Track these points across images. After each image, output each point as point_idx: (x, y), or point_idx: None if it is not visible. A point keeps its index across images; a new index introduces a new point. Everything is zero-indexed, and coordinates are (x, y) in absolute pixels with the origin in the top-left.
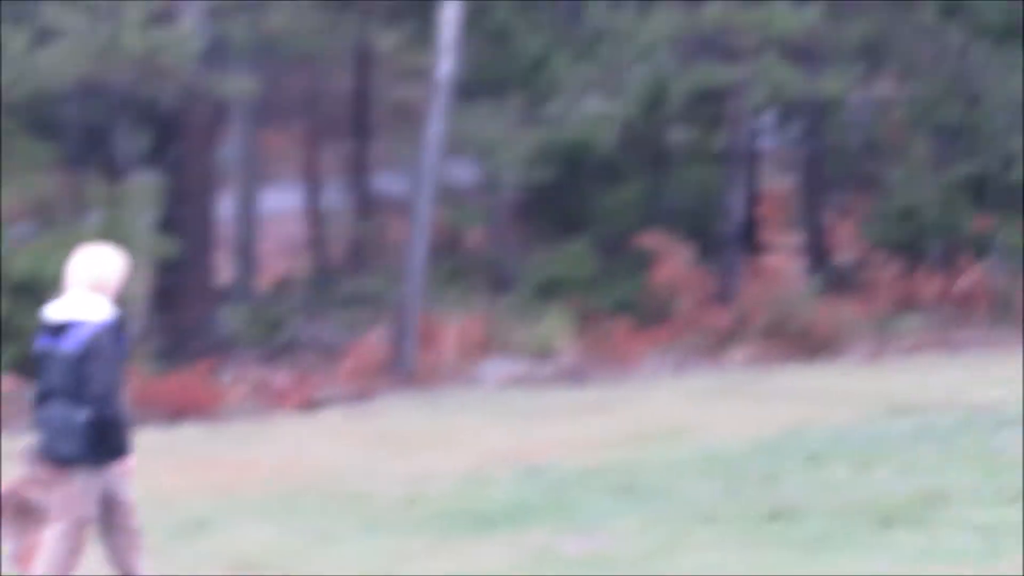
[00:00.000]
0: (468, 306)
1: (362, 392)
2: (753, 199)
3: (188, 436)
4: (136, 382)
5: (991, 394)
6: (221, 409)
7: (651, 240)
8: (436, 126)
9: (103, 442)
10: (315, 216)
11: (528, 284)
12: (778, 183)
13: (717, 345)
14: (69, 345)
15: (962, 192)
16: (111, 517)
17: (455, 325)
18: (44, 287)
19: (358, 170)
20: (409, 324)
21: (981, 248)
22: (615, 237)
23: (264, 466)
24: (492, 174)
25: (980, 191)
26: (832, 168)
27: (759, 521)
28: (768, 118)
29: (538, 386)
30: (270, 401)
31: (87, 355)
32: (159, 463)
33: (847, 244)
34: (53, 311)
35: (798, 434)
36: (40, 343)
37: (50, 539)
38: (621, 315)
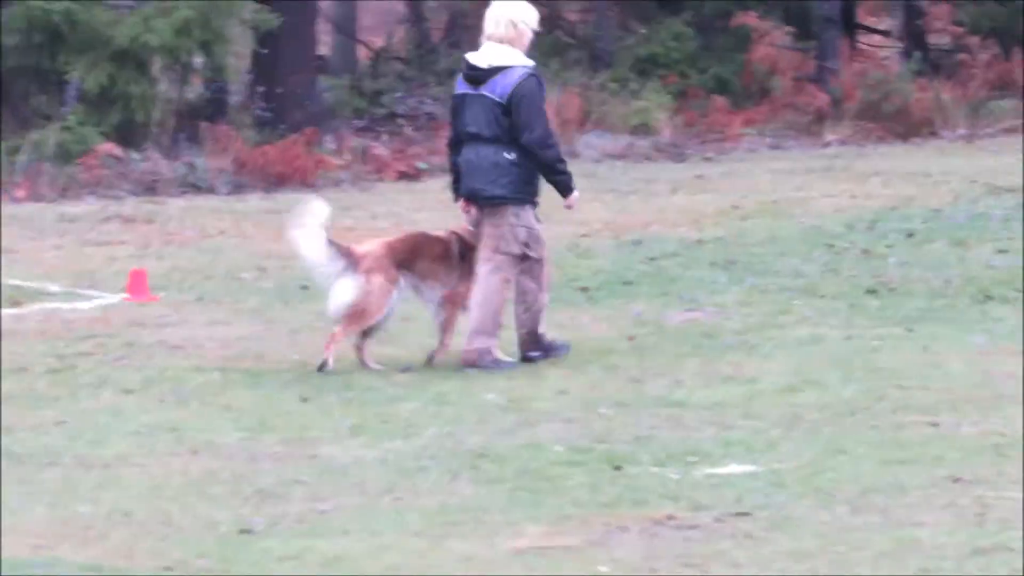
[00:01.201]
0: (566, 81)
1: None
2: None
3: (288, 203)
4: (238, 150)
5: None
6: (322, 178)
7: (749, 19)
8: None
9: (534, 183)
10: None
11: (626, 61)
12: None
13: (814, 125)
14: (497, 91)
15: None
16: (536, 251)
17: (553, 100)
18: (146, 54)
19: None
20: None
21: None
22: (713, 16)
23: (365, 235)
24: None
25: None
26: None
27: (859, 296)
28: None
29: (636, 161)
30: (371, 170)
31: (518, 101)
32: (262, 229)
33: (943, 27)
34: (476, 58)
35: (897, 212)
36: (462, 89)
37: (483, 273)
38: (719, 94)
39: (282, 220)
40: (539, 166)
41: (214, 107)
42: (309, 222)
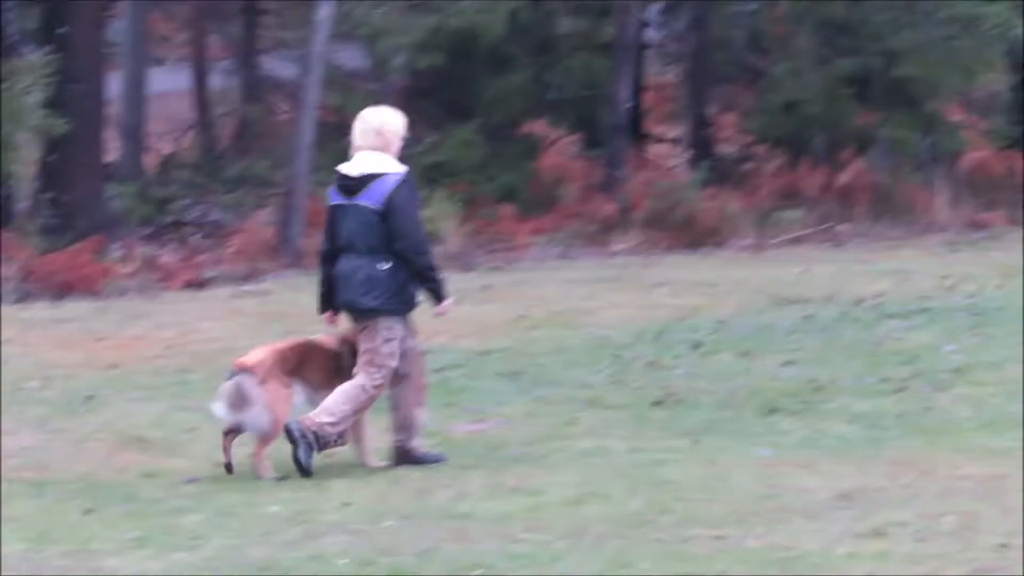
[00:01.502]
0: None
1: (249, 272)
2: (639, 90)
3: (75, 312)
4: (25, 258)
5: (873, 287)
6: (108, 287)
7: (538, 128)
8: (325, 10)
9: (409, 292)
10: (203, 98)
11: (414, 169)
12: (664, 75)
13: (602, 234)
14: (373, 199)
15: (845, 87)
16: (403, 366)
17: None
18: None
19: (246, 53)
20: (296, 206)
21: (863, 143)
22: (502, 124)
23: (152, 343)
24: (380, 59)
25: (863, 86)
26: (717, 61)
27: (645, 407)
28: (655, 9)
29: None
30: (157, 279)
31: (393, 207)
32: (45, 338)
33: (731, 136)
34: (348, 168)
35: (683, 323)
36: (335, 200)
37: (358, 380)
38: (507, 202)
39: (68, 329)
40: (412, 273)
41: (0, 214)
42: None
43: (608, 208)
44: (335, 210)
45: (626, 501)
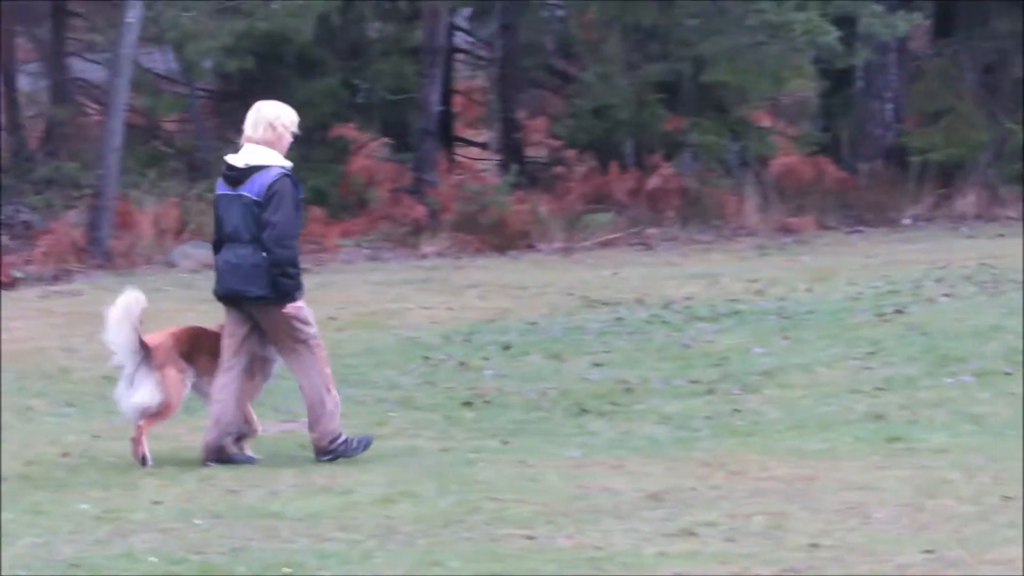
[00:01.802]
0: (164, 192)
1: (59, 273)
2: (449, 94)
3: None
4: None
5: (682, 290)
6: None
7: (347, 131)
8: (133, 13)
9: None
10: (11, 99)
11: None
12: (473, 79)
13: (411, 237)
14: (254, 190)
15: (654, 92)
16: (253, 362)
17: (150, 210)
18: None
19: (55, 55)
20: (105, 207)
21: (672, 148)
22: (311, 128)
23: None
24: (189, 63)
25: (672, 92)
26: (526, 66)
27: (456, 408)
28: (464, 14)
29: None
30: None
31: (270, 198)
32: None
33: (541, 141)
34: (234, 159)
35: (494, 325)
36: (221, 190)
37: (296, 365)
38: (317, 205)
39: None
40: (270, 263)
41: None
42: (121, 314)
43: (418, 211)
44: (220, 200)
45: (436, 500)
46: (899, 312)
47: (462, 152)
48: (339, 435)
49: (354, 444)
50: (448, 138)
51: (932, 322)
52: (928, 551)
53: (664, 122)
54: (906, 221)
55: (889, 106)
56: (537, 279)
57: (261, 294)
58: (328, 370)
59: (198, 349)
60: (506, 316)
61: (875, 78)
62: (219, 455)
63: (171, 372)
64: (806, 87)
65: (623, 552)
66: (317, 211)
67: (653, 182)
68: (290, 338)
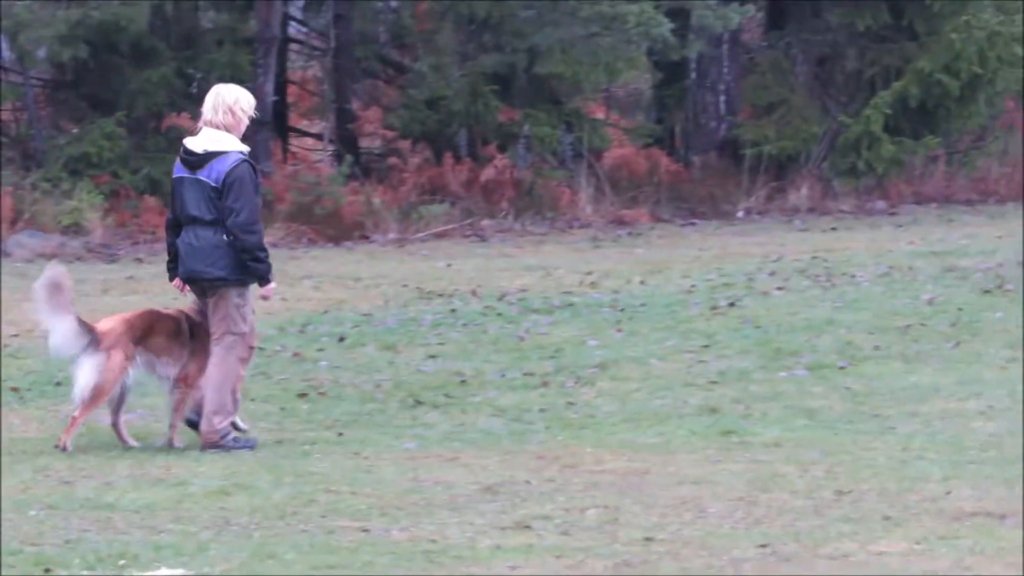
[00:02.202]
0: None
1: None
2: (283, 84)
3: None
4: None
5: (516, 282)
6: None
7: (181, 121)
8: None
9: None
10: None
11: (58, 160)
12: (308, 69)
13: None
14: (212, 176)
15: (488, 84)
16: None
17: None
18: None
19: None
20: None
21: (506, 139)
22: (145, 117)
23: None
24: (22, 52)
25: (506, 83)
26: (360, 56)
27: (290, 400)
28: (298, 4)
29: (68, 261)
30: None
31: (229, 185)
32: None
33: (375, 132)
34: (193, 143)
35: (328, 316)
36: (179, 173)
37: (218, 355)
38: (151, 194)
39: None
40: (240, 250)
41: None
42: (54, 299)
43: None
44: (178, 183)
45: (271, 492)
46: (733, 305)
47: (296, 142)
48: (228, 432)
49: (240, 443)
50: (282, 128)
51: (766, 315)
52: (762, 545)
53: (498, 113)
54: (739, 214)
55: (722, 98)
56: (372, 270)
57: (220, 275)
58: (243, 372)
59: (152, 332)
60: (341, 307)
61: (708, 70)
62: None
63: (116, 356)
64: (639, 79)
65: (458, 545)
66: (151, 201)
67: (487, 173)
68: (223, 326)
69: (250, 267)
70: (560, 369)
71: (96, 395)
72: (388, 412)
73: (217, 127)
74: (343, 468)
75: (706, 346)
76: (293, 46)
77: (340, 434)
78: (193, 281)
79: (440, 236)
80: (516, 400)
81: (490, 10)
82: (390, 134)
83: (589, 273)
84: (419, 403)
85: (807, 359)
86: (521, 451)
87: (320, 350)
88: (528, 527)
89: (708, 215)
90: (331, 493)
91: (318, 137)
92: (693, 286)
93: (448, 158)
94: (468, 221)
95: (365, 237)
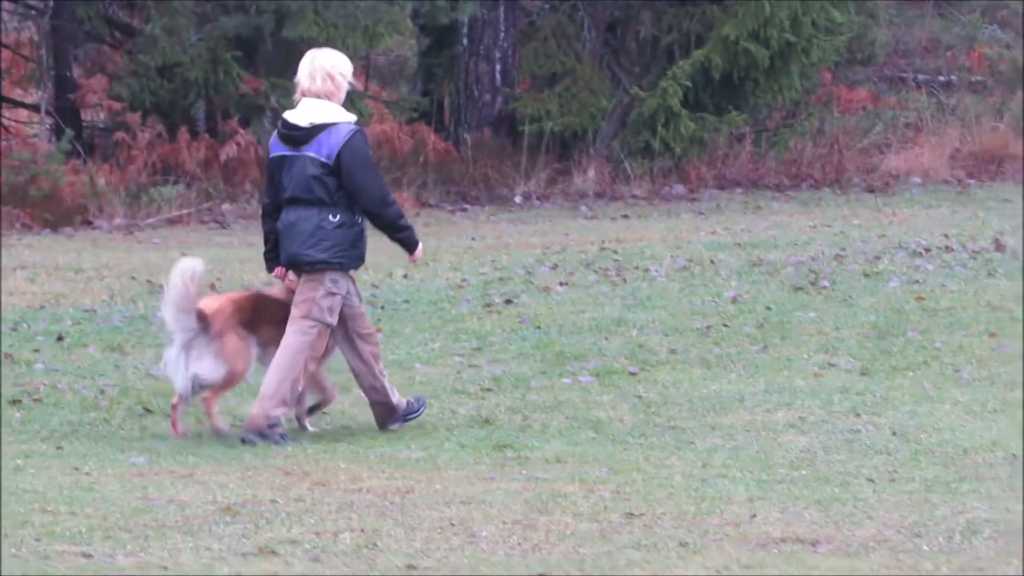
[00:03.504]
0: None
1: None
2: None
3: None
4: None
5: (261, 275)
6: None
7: None
8: None
9: (359, 248)
10: None
11: None
12: (22, 32)
13: None
14: (323, 152)
15: (229, 49)
16: (357, 326)
17: None
18: None
19: None
20: None
21: (250, 112)
22: None
23: None
24: None
25: (250, 49)
26: (82, 16)
27: (2, 407)
28: None
29: None
30: None
31: (349, 162)
32: None
33: (99, 103)
34: (294, 116)
35: (45, 312)
36: (279, 151)
37: (289, 337)
38: None
39: None
40: (382, 227)
41: None
42: (179, 281)
43: None
44: (279, 161)
45: None
46: (509, 303)
47: (9, 115)
48: (278, 423)
49: (288, 439)
50: None
51: (547, 314)
52: (541, 575)
53: (241, 83)
54: (517, 199)
55: (498, 68)
56: (95, 260)
57: (322, 258)
58: (312, 366)
59: (260, 318)
60: (59, 302)
61: (482, 36)
62: (389, 414)
63: (230, 340)
64: (404, 45)
65: (193, 572)
66: None
67: (228, 151)
68: (304, 308)
69: (397, 239)
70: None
71: (229, 381)
72: (113, 422)
73: (317, 95)
74: (61, 485)
75: (478, 349)
76: (5, 4)
77: (59, 447)
78: (295, 265)
79: (174, 222)
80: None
81: None
82: (117, 105)
83: None
84: (149, 412)
85: (594, 364)
86: (265, 466)
87: (35, 351)
88: (273, 553)
89: (481, 200)
90: (47, 513)
91: (34, 109)
92: (464, 280)
93: (183, 133)
94: (206, 205)
95: (88, 223)
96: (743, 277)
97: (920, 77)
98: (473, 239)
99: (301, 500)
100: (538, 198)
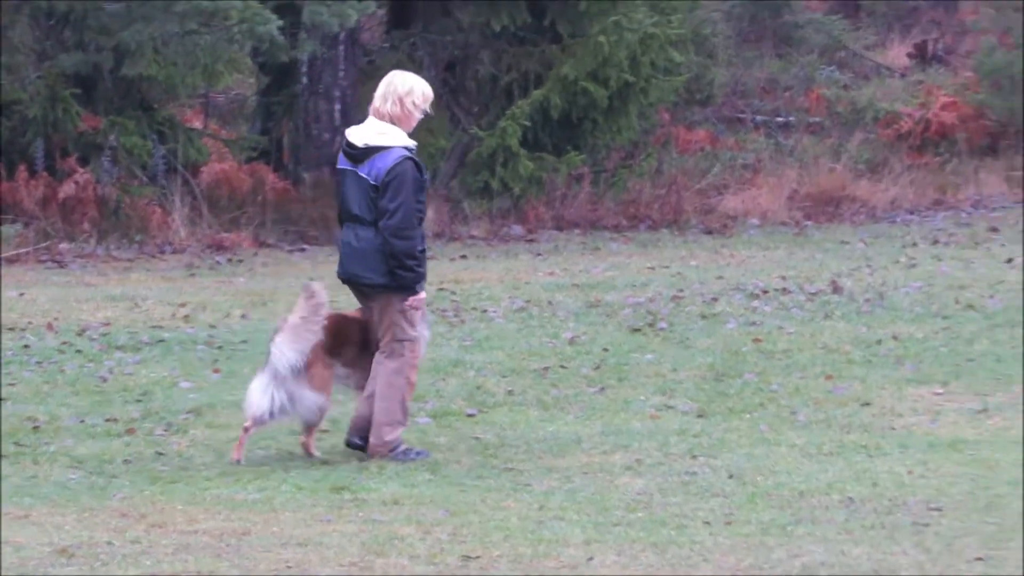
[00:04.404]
0: None
1: None
2: None
3: None
4: None
5: (99, 314)
6: None
7: None
8: None
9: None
10: None
11: None
12: None
13: None
14: (372, 173)
15: (68, 87)
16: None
17: None
18: None
19: None
20: None
21: (89, 150)
22: None
23: None
24: None
25: (89, 87)
26: None
27: None
28: None
29: None
30: None
31: (387, 183)
32: None
33: None
34: (354, 135)
35: None
36: (342, 165)
37: (382, 361)
38: None
39: None
40: (389, 254)
41: None
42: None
43: None
44: (342, 175)
45: None
46: None
47: None
48: (399, 444)
49: (412, 454)
50: None
51: None
52: None
53: (79, 121)
54: None
55: (337, 107)
56: None
57: (381, 282)
58: (415, 378)
59: (343, 341)
60: None
61: (322, 75)
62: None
63: (317, 371)
64: (243, 84)
65: None
66: None
67: (66, 190)
68: (389, 333)
69: (396, 274)
70: (148, 414)
71: (319, 416)
72: None
73: (383, 117)
74: None
75: None
76: None
77: None
78: (352, 284)
79: (11, 261)
80: (97, 449)
81: (72, 4)
82: None
83: (183, 305)
84: None
85: (431, 405)
86: (102, 508)
87: None
88: None
89: (320, 240)
90: None
91: None
92: None
93: (21, 171)
94: (44, 244)
95: None
96: (581, 318)
97: (758, 118)
98: (311, 279)
99: (138, 542)
100: None
